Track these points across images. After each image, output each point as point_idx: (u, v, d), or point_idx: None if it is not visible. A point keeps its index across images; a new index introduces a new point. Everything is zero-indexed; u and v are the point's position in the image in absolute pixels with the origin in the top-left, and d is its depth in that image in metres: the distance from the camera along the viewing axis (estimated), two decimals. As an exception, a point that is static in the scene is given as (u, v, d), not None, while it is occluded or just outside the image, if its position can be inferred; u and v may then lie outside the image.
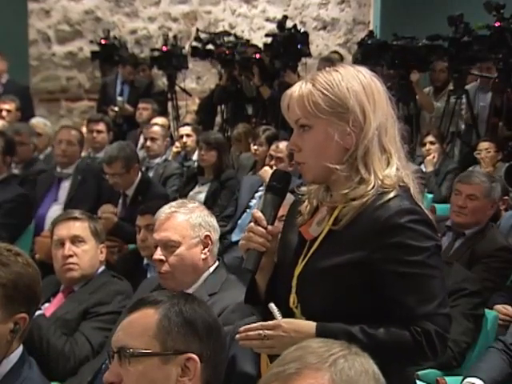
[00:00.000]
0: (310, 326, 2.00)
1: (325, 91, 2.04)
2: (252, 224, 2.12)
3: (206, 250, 3.08)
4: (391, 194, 2.02)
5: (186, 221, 3.08)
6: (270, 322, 2.02)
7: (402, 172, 2.07)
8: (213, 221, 3.15)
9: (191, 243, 3.06)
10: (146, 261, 4.47)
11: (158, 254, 3.06)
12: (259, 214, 2.12)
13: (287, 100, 2.10)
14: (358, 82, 2.06)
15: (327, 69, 2.11)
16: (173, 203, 3.21)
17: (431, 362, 2.04)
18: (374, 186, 2.03)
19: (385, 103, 2.09)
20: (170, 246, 3.05)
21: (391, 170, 2.05)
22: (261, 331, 2.02)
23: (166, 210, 3.13)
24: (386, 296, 1.99)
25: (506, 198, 5.26)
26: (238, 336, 2.07)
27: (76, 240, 3.49)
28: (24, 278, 2.17)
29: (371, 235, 1.99)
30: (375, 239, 1.98)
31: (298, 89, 2.08)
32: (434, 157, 6.71)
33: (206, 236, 3.08)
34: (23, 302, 2.16)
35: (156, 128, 7.25)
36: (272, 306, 2.06)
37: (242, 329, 2.06)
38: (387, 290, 1.98)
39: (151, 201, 4.87)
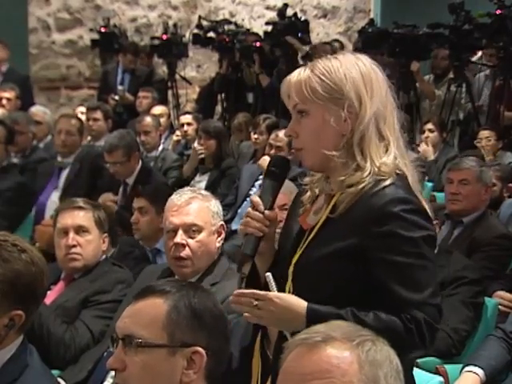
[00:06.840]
0: (301, 306, 1.99)
1: (322, 77, 2.07)
2: (249, 209, 2.13)
3: (220, 238, 3.07)
4: (387, 182, 2.03)
5: (207, 207, 3.04)
6: (261, 293, 2.01)
7: (400, 161, 2.07)
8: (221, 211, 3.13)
9: (211, 230, 3.03)
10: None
11: (181, 238, 2.99)
12: (257, 199, 2.13)
13: (286, 86, 2.13)
14: (356, 69, 2.08)
15: (328, 56, 2.13)
16: (184, 189, 3.15)
17: (419, 352, 2.04)
18: (370, 173, 2.03)
19: (384, 91, 2.10)
20: (192, 231, 2.99)
21: (389, 158, 2.06)
22: (253, 300, 2.00)
23: (183, 194, 3.06)
24: (376, 283, 1.99)
25: (511, 185, 5.25)
26: (230, 298, 2.05)
27: (80, 230, 3.47)
28: (24, 277, 2.12)
29: (364, 223, 2.00)
30: (368, 227, 1.99)
31: (297, 74, 2.11)
32: (428, 145, 6.69)
33: (221, 225, 3.07)
34: (20, 299, 2.11)
35: (148, 120, 7.07)
36: (269, 276, 2.04)
37: (235, 292, 2.04)
38: (377, 278, 1.99)
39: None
